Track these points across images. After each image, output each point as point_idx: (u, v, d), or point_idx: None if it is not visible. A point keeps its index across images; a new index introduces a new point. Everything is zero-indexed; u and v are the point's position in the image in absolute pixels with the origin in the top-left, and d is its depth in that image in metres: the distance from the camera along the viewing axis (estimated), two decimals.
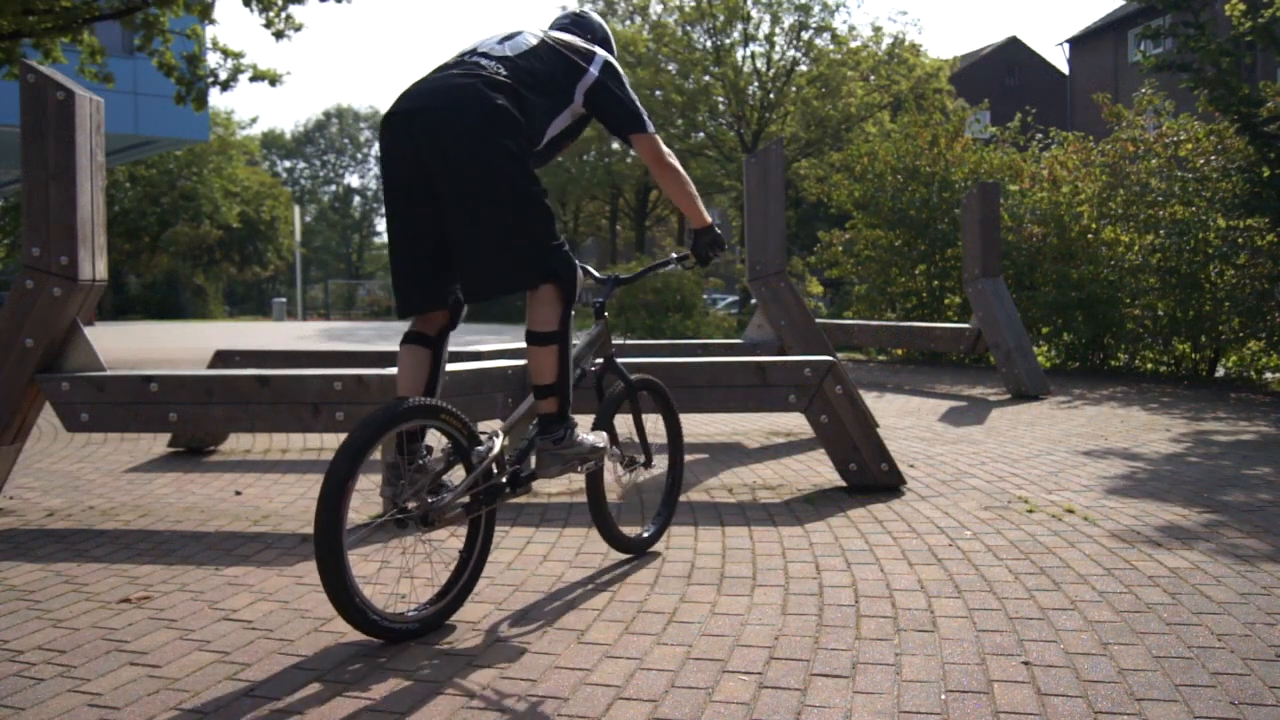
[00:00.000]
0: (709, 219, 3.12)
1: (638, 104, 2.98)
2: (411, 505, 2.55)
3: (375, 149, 65.20)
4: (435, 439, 2.74)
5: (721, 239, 3.15)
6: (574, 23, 3.21)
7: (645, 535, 3.35)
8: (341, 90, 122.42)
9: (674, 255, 3.35)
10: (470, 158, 2.58)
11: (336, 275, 63.51)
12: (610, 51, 3.17)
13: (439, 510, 2.55)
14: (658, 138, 2.98)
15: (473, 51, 2.81)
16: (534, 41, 2.88)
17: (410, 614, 2.55)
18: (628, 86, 3.00)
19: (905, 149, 12.32)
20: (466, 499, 2.66)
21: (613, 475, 3.33)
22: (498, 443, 2.75)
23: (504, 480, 2.78)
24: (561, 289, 2.75)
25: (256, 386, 3.94)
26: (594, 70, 2.91)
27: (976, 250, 8.60)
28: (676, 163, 3.00)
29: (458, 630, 2.63)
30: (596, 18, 3.30)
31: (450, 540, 3.02)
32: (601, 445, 2.94)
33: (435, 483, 2.60)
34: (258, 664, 2.40)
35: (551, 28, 3.20)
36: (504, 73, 2.71)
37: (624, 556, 3.31)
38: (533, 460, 2.87)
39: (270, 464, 5.20)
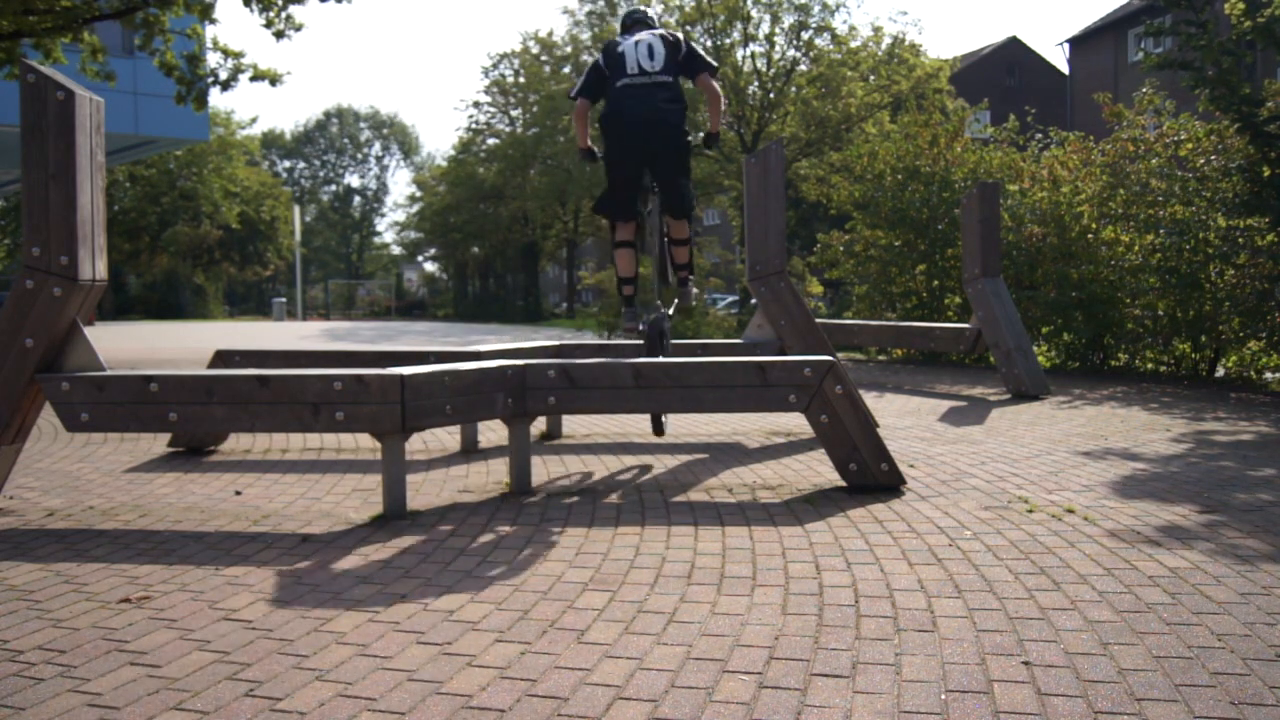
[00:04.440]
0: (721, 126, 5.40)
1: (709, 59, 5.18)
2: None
3: (366, 157, 65.17)
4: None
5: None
6: (644, 17, 5.34)
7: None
8: (341, 90, 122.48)
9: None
10: (671, 147, 5.01)
11: (336, 275, 63.54)
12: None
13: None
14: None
15: (640, 72, 4.96)
16: (659, 41, 5.00)
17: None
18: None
19: (905, 149, 12.30)
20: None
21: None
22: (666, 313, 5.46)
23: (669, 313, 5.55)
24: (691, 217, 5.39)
25: (256, 386, 3.95)
26: (680, 38, 5.14)
27: (976, 250, 8.59)
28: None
29: (457, 630, 2.63)
30: (648, 10, 5.67)
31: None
32: (695, 291, 5.68)
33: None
34: (258, 664, 2.40)
35: (632, 25, 5.26)
36: (668, 79, 4.99)
37: (624, 556, 3.31)
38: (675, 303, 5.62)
39: (270, 464, 5.21)
